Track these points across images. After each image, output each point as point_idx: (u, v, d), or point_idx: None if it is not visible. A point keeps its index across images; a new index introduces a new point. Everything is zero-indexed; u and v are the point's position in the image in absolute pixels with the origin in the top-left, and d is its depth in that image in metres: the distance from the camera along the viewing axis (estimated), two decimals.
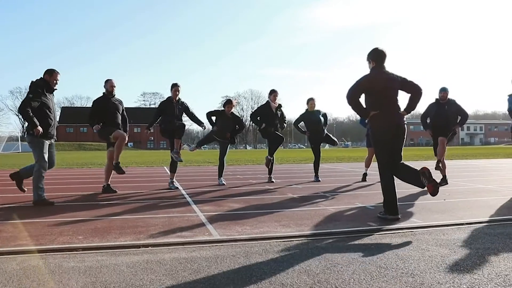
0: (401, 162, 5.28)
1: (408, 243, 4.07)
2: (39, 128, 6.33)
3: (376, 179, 10.02)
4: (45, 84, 6.62)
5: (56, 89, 6.77)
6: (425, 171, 4.96)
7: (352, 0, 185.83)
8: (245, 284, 2.96)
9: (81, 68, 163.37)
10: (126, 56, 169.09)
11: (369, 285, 2.91)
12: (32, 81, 6.60)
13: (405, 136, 5.35)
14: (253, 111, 10.36)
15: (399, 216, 5.15)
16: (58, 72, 6.73)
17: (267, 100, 9.89)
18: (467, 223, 4.97)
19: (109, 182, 8.30)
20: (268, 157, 9.82)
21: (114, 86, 8.09)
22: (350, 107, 5.31)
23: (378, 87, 5.22)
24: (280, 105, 9.86)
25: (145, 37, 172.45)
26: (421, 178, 4.99)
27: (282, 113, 9.93)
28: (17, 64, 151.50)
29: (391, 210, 5.15)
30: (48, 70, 6.70)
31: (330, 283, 2.95)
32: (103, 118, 7.96)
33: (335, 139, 10.57)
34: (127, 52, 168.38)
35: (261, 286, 2.93)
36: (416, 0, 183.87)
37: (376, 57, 5.34)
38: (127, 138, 7.90)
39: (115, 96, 8.15)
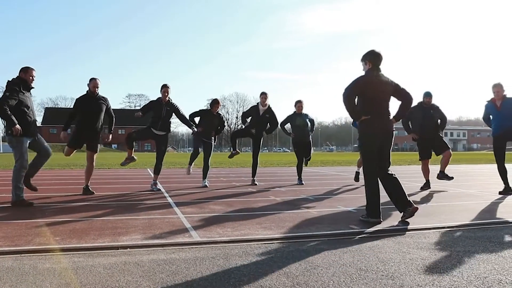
0: (395, 177, 5.26)
1: (389, 246, 4.06)
2: (18, 126, 6.21)
3: (361, 183, 10.05)
4: (21, 82, 6.49)
5: (33, 87, 6.65)
6: (414, 211, 5.12)
7: (338, 7, 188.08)
8: (223, 286, 2.91)
9: (66, 69, 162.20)
10: (111, 57, 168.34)
11: (348, 287, 2.89)
12: (8, 81, 6.46)
13: (392, 141, 5.37)
14: (244, 111, 10.36)
15: (381, 220, 5.15)
16: (33, 68, 6.60)
17: (257, 102, 9.93)
18: (448, 227, 4.99)
19: (88, 184, 8.19)
20: (233, 151, 10.20)
21: (97, 86, 7.91)
22: (344, 106, 5.27)
23: (372, 89, 5.21)
24: (269, 108, 9.82)
25: (131, 39, 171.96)
26: (406, 207, 5.14)
27: (271, 116, 9.87)
28: None
29: (374, 213, 5.15)
30: (22, 68, 6.58)
31: (309, 285, 2.92)
32: (85, 117, 7.83)
33: (310, 156, 10.62)
34: (112, 54, 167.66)
35: None
36: (401, 8, 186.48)
37: (373, 58, 5.31)
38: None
39: (99, 95, 7.98)
